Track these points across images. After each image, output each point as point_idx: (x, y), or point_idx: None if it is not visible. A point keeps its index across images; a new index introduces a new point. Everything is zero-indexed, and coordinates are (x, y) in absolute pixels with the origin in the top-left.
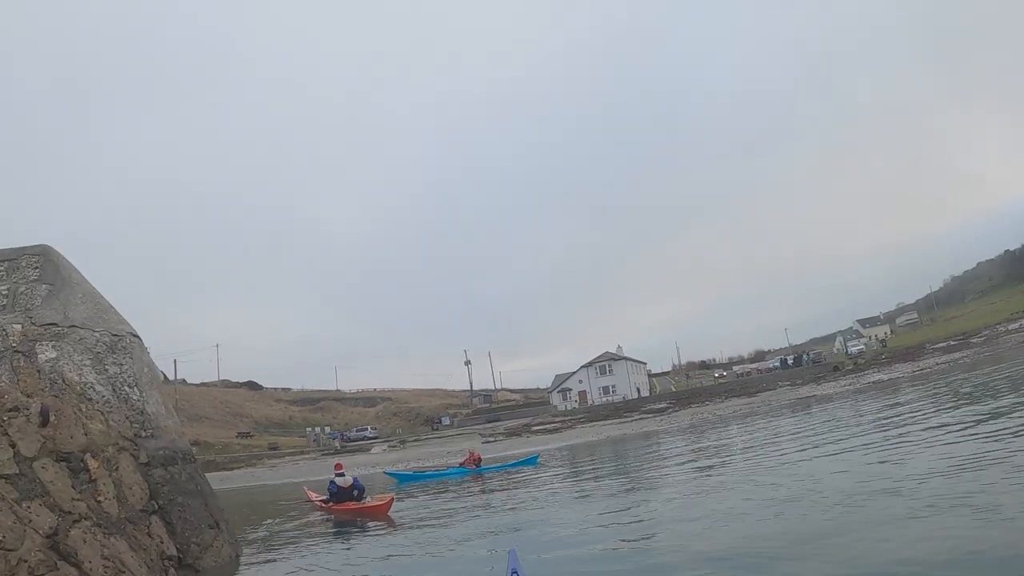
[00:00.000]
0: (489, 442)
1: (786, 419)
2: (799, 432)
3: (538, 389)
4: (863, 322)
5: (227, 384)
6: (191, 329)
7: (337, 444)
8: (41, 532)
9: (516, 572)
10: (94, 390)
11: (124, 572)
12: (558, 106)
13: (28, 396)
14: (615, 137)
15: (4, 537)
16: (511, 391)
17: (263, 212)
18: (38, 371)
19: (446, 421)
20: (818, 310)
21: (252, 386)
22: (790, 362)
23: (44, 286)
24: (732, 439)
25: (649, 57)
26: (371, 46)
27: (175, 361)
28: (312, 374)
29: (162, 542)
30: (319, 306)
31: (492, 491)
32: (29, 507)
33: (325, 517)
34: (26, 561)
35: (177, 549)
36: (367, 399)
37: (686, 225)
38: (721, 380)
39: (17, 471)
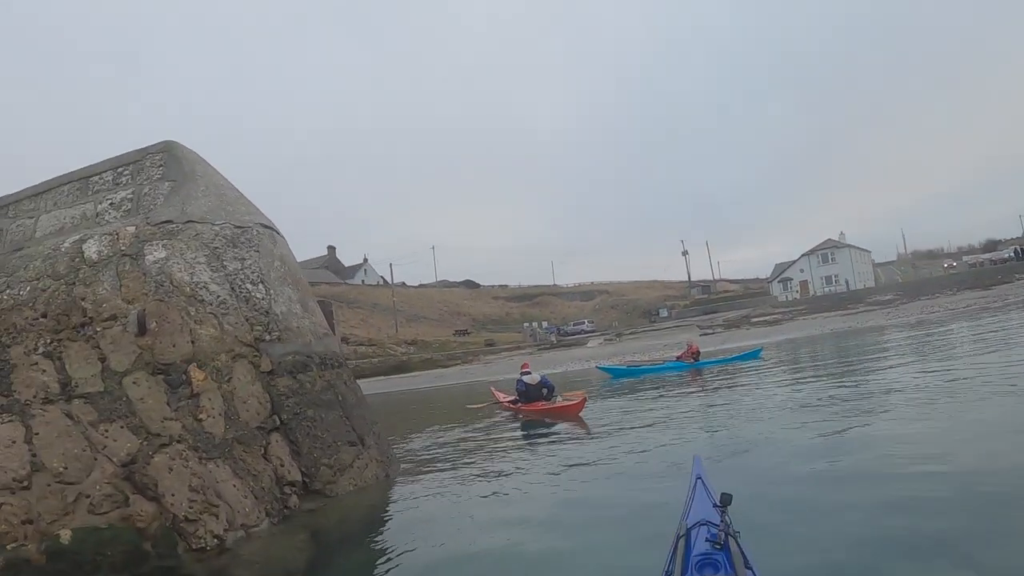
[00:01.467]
0: (707, 334)
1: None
2: None
3: (757, 279)
4: None
5: (445, 284)
6: (409, 234)
7: (553, 339)
8: (116, 460)
9: (700, 478)
10: (207, 290)
11: (217, 505)
12: None
13: (129, 303)
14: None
15: (66, 468)
16: (730, 281)
17: (478, 115)
18: (144, 274)
19: (664, 313)
20: None
21: (469, 285)
22: None
23: (167, 184)
24: (970, 337)
25: None
26: None
27: (391, 265)
28: (529, 270)
29: (282, 464)
30: (536, 203)
31: (707, 390)
32: (107, 430)
33: (512, 417)
34: (88, 496)
35: (302, 472)
36: (584, 293)
37: (914, 107)
38: (951, 271)
39: (102, 388)
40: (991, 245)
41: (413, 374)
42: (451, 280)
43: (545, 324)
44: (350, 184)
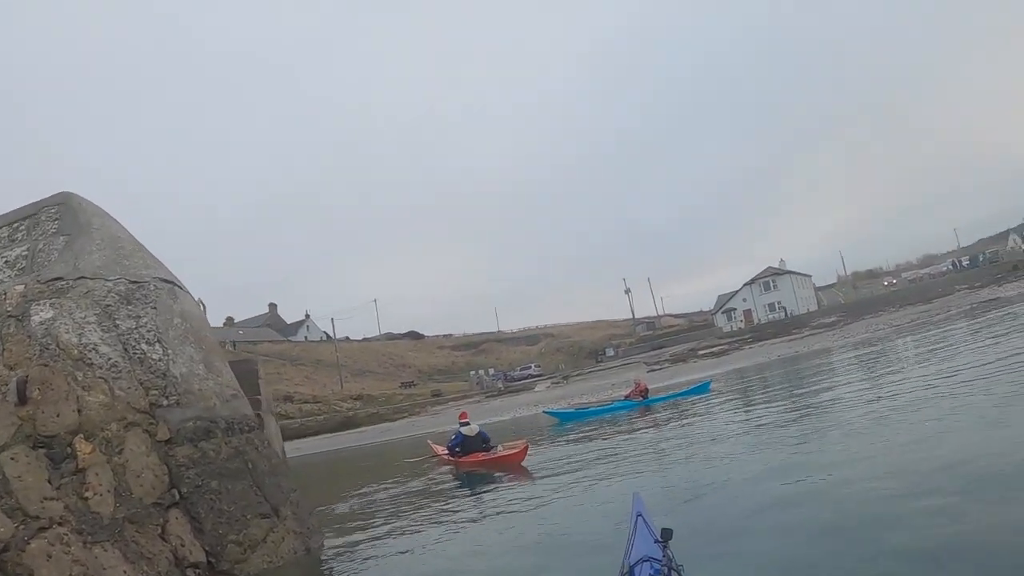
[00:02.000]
0: (655, 370)
1: (971, 324)
2: (992, 338)
3: (701, 312)
4: None
5: (389, 337)
6: (350, 288)
7: (500, 385)
8: None
9: (641, 515)
10: (97, 352)
11: None
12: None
13: (11, 368)
14: (768, 43)
15: None
16: (674, 316)
17: (415, 166)
18: (29, 336)
19: (610, 352)
20: (984, 210)
21: (413, 336)
22: (964, 264)
23: (62, 238)
24: (914, 351)
25: None
26: None
27: (332, 320)
28: (473, 318)
29: (182, 544)
30: (476, 250)
31: (655, 427)
32: None
33: (454, 471)
34: None
35: (207, 552)
36: (529, 337)
37: (841, 131)
38: (892, 288)
39: None
40: (928, 260)
41: (360, 429)
42: (395, 332)
43: (492, 371)
44: (288, 239)
